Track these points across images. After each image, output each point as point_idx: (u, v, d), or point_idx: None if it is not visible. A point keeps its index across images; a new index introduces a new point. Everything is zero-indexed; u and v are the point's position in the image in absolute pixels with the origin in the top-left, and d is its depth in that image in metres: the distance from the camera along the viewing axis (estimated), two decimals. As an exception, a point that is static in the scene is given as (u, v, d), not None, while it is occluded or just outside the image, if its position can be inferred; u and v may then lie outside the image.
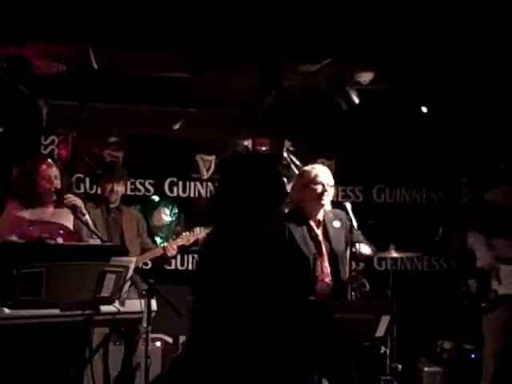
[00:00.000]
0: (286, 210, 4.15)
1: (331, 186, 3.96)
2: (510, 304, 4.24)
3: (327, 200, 3.94)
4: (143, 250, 5.17)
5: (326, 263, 3.89)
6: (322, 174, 3.95)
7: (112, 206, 5.10)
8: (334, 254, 3.89)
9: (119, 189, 5.12)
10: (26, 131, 6.08)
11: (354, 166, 6.48)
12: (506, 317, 4.25)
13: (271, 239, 2.44)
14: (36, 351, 3.47)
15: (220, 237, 2.44)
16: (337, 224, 3.96)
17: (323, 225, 3.95)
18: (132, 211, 5.36)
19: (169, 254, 5.13)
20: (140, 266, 5.17)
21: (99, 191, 5.38)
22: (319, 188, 3.91)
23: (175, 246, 5.15)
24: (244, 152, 2.22)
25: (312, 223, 3.95)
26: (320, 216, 3.96)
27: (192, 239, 5.33)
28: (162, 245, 5.33)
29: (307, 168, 4.10)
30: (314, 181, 3.93)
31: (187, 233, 5.33)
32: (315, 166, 4.10)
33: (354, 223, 3.87)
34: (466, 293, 4.50)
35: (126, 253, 4.64)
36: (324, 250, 3.90)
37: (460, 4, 4.13)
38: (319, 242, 3.92)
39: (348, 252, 3.86)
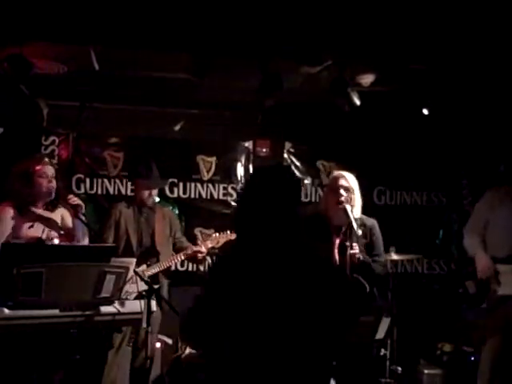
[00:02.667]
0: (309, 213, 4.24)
1: (352, 192, 3.97)
2: (509, 305, 4.23)
3: (355, 207, 3.94)
4: (179, 249, 5.11)
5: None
6: (342, 179, 4.00)
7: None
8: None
9: (156, 192, 5.10)
10: (26, 131, 6.08)
11: (354, 168, 6.49)
12: (505, 318, 4.24)
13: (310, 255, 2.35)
14: (36, 351, 3.47)
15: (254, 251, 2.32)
16: (358, 232, 3.97)
17: (344, 231, 3.97)
18: (165, 210, 5.31)
19: (199, 256, 5.09)
20: (173, 267, 5.18)
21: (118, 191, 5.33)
22: (337, 193, 3.95)
23: (204, 248, 5.11)
24: (263, 166, 2.18)
25: (332, 228, 4.02)
26: (341, 221, 3.98)
27: (222, 241, 5.30)
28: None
29: (334, 173, 4.19)
30: (333, 186, 4.01)
31: (217, 234, 5.30)
32: (342, 171, 4.13)
33: (354, 225, 3.87)
34: (464, 294, 4.50)
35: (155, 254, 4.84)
36: (337, 258, 3.94)
37: (460, 6, 4.13)
38: (333, 251, 3.97)
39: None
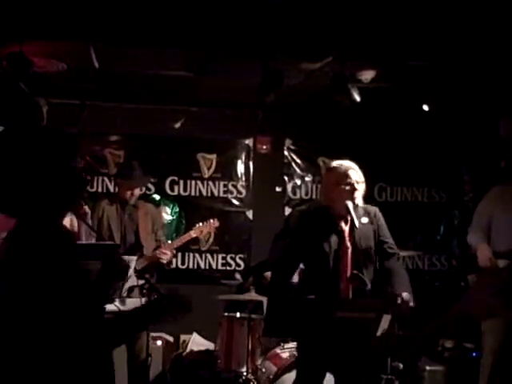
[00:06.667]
0: (313, 207, 4.18)
1: (362, 183, 3.89)
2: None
3: (358, 197, 3.88)
4: (158, 247, 5.13)
5: (349, 259, 3.83)
6: (352, 172, 3.88)
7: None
8: (357, 249, 3.83)
9: (138, 192, 5.13)
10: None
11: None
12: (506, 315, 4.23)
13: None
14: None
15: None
16: (364, 220, 3.90)
17: (351, 220, 3.85)
18: (148, 207, 5.34)
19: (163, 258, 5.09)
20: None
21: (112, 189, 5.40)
22: (349, 187, 3.82)
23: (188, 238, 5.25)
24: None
25: (339, 219, 3.89)
26: (345, 212, 3.87)
27: (205, 231, 5.39)
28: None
29: (336, 165, 3.94)
30: (344, 180, 3.84)
31: (200, 224, 5.37)
32: (343, 162, 3.93)
33: (356, 222, 3.84)
34: (466, 289, 4.49)
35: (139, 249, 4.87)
36: (348, 245, 3.86)
37: (460, 2, 4.12)
38: (344, 238, 3.86)
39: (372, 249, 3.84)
